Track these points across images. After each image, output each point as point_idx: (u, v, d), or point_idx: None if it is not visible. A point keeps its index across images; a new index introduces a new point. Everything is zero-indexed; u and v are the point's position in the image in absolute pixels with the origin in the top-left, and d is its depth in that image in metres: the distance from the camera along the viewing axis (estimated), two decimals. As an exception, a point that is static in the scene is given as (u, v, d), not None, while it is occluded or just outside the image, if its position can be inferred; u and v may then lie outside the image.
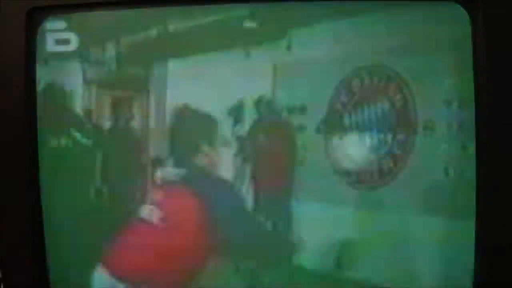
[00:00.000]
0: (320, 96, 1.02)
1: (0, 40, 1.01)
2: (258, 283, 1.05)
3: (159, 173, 1.06)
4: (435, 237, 1.00)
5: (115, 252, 1.07)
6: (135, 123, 1.07)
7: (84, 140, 1.07)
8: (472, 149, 0.97)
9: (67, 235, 1.07)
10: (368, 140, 1.01)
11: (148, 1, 1.03)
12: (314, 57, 1.01)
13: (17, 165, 1.02)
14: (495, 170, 0.95)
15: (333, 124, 1.02)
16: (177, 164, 1.06)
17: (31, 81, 1.03)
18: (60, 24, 1.05)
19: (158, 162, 1.06)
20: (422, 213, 1.00)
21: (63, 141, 1.07)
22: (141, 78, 1.06)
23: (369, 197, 1.02)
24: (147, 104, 1.07)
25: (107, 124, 1.08)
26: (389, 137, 1.00)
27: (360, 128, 1.01)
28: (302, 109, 1.02)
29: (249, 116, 1.03)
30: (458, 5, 0.96)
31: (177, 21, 1.04)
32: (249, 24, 1.02)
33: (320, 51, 1.01)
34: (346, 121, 1.02)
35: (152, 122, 1.07)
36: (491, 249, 0.95)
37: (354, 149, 1.02)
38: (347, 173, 1.02)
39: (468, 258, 0.97)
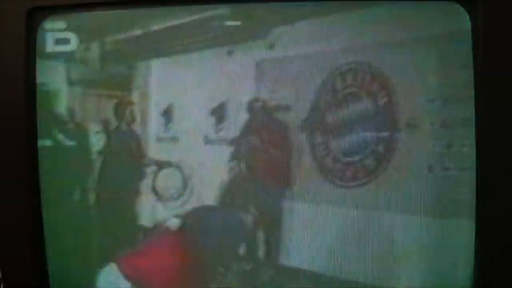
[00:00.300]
0: (304, 95, 1.02)
1: (0, 40, 1.04)
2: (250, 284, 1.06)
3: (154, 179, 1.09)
4: (420, 235, 0.99)
5: (121, 254, 1.10)
6: (137, 127, 1.09)
7: (77, 141, 1.10)
8: (456, 146, 0.96)
9: (66, 235, 1.09)
10: (352, 138, 1.01)
11: (148, 1, 1.05)
12: (297, 55, 1.01)
13: (17, 165, 1.04)
14: (495, 169, 0.94)
15: (316, 123, 1.02)
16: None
17: (31, 81, 1.05)
18: (60, 24, 1.07)
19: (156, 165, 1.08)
20: (406, 211, 0.99)
21: (50, 142, 1.09)
22: (135, 78, 1.08)
23: (354, 195, 1.01)
24: (142, 105, 1.08)
25: (108, 125, 1.09)
26: (373, 135, 1.00)
27: (344, 126, 1.01)
28: (286, 108, 1.02)
29: (232, 115, 1.04)
30: (458, 5, 0.95)
31: (164, 20, 1.05)
32: (231, 23, 1.03)
33: (303, 49, 1.01)
34: (330, 119, 1.02)
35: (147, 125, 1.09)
36: (490, 248, 0.95)
37: (338, 147, 1.02)
38: (331, 172, 1.02)
39: (454, 256, 0.97)
